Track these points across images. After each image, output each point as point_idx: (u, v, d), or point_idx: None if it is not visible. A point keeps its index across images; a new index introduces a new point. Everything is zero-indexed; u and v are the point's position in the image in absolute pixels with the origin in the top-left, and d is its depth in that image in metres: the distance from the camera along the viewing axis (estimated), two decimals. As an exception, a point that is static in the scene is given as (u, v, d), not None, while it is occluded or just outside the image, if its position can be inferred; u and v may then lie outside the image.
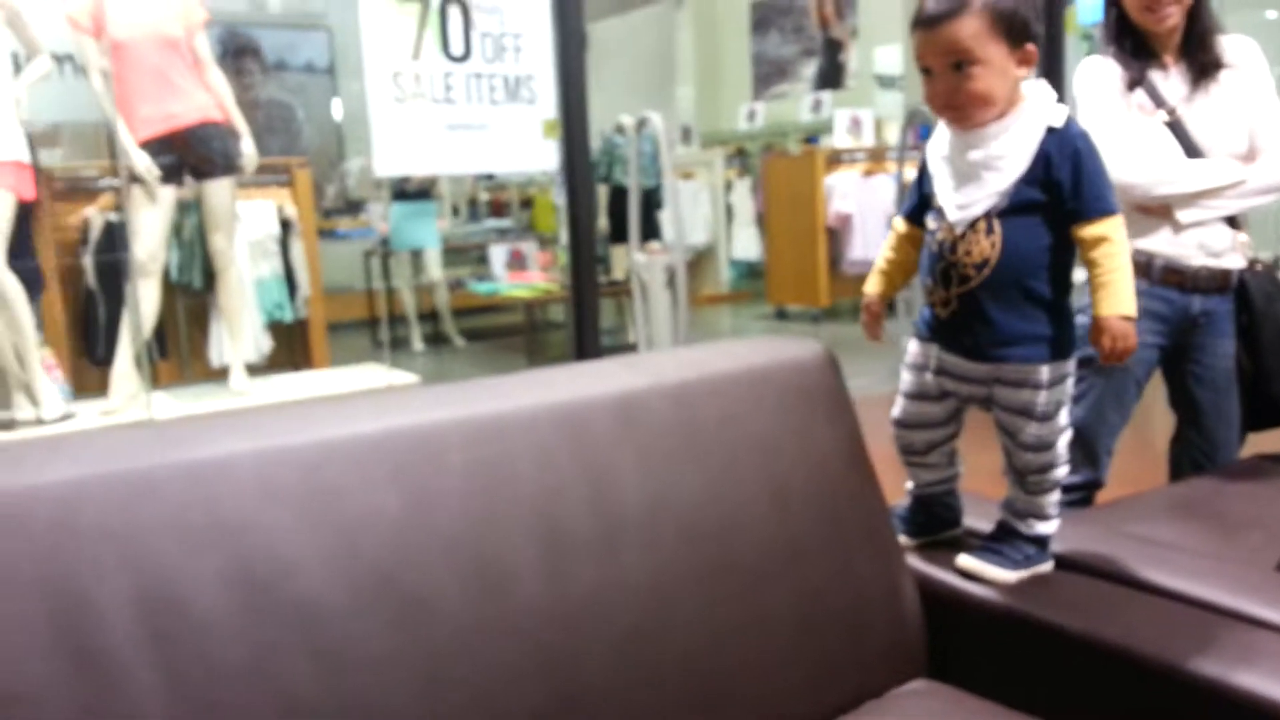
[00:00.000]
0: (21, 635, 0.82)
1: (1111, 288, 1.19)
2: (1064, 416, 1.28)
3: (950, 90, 1.19)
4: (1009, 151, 1.20)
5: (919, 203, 1.35)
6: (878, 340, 1.45)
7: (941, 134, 1.29)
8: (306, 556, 0.93)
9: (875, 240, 7.22)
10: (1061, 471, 1.31)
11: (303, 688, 0.89)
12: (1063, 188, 1.18)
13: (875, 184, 7.24)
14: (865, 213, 7.21)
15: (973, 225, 1.22)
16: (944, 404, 1.36)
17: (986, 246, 1.20)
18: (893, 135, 7.32)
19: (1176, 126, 1.92)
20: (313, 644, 0.91)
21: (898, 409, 1.40)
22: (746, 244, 9.15)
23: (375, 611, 0.94)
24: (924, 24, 1.19)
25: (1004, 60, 1.18)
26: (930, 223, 1.30)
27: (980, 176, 1.22)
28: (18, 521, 0.85)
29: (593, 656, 1.04)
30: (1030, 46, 1.19)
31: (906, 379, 1.39)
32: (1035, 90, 1.23)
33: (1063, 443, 1.30)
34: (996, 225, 1.20)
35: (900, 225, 1.40)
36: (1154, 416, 2.17)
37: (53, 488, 0.88)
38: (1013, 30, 1.17)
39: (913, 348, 1.38)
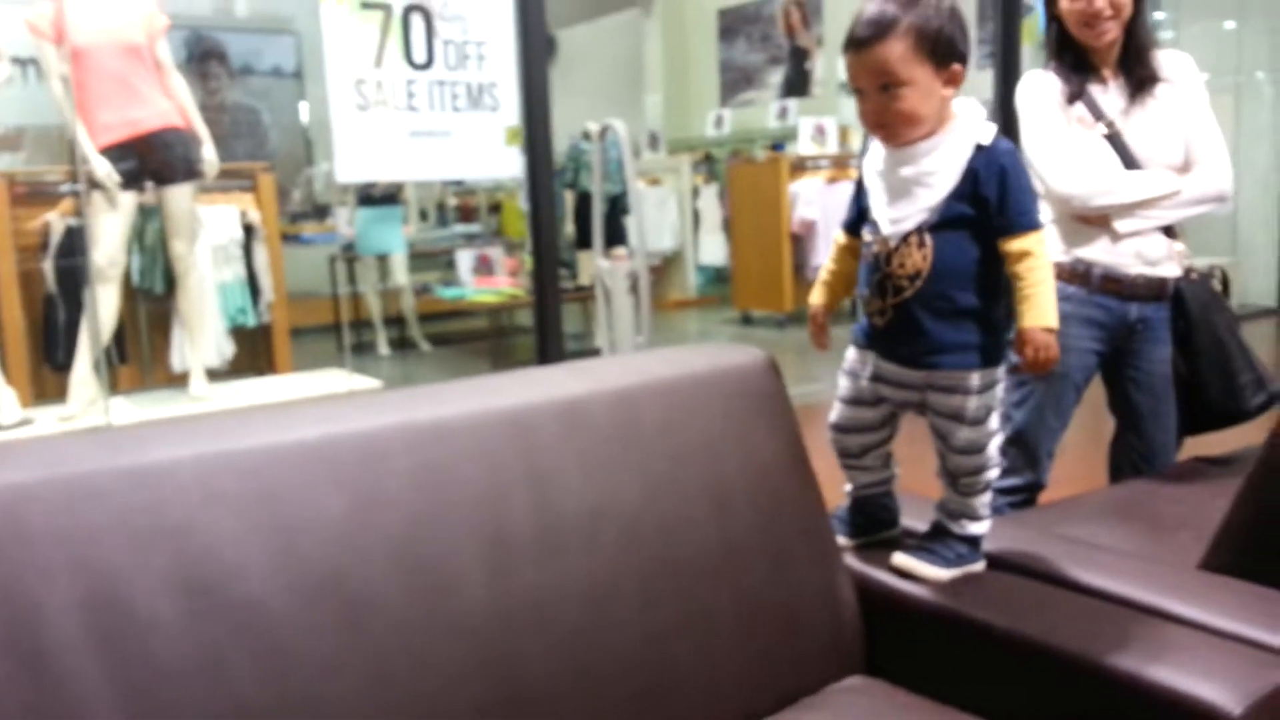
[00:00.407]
0: (-33, 638, 0.82)
1: (1034, 300, 1.22)
2: (994, 421, 1.32)
3: (880, 110, 1.23)
4: (939, 168, 1.24)
5: (857, 216, 1.39)
6: (825, 349, 1.47)
7: (877, 150, 1.33)
8: (250, 559, 0.94)
9: (838, 246, 7.29)
10: (993, 474, 1.35)
11: (248, 688, 0.91)
12: (990, 203, 1.22)
13: (839, 190, 7.32)
14: (829, 219, 7.28)
15: (905, 239, 1.26)
16: (879, 409, 1.40)
17: (919, 259, 1.24)
18: (856, 142, 7.41)
19: (1115, 139, 1.98)
20: (258, 645, 0.92)
21: (835, 414, 1.44)
22: (713, 249, 9.21)
23: (320, 612, 0.96)
24: (853, 46, 1.22)
25: (930, 80, 1.21)
26: (866, 235, 1.34)
27: (912, 192, 1.26)
28: (-38, 526, 0.85)
29: (535, 656, 1.06)
30: (956, 66, 1.22)
31: (844, 385, 1.43)
32: (965, 108, 1.27)
33: (993, 446, 1.33)
34: (928, 239, 1.24)
35: (840, 237, 1.44)
36: (1102, 420, 2.23)
37: (-2, 491, 0.88)
38: (938, 51, 1.20)
39: (850, 354, 1.42)
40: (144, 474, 0.95)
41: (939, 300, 1.25)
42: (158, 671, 0.88)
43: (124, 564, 0.90)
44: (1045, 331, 1.23)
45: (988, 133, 1.24)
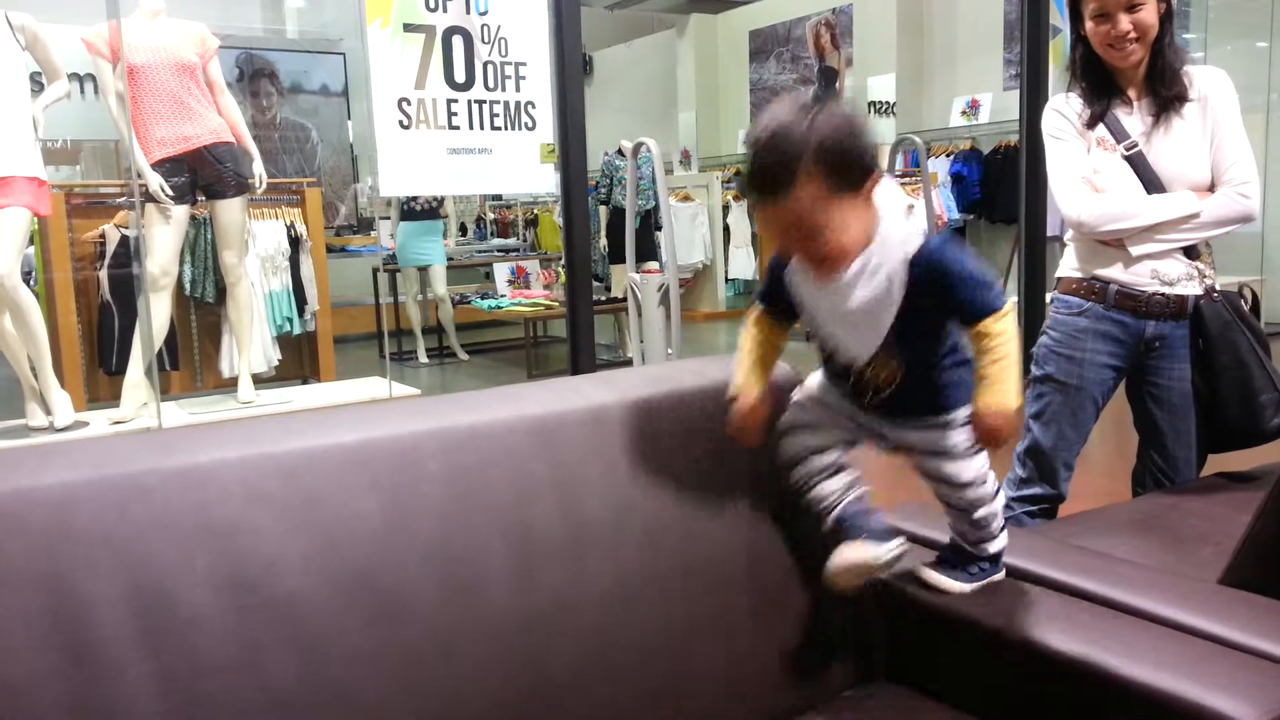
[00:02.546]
0: (18, 630, 0.87)
1: (989, 381, 1.12)
2: (984, 455, 1.26)
3: (807, 253, 1.12)
4: (878, 296, 1.13)
5: (775, 293, 1.25)
6: (756, 445, 1.26)
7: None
8: (290, 557, 0.98)
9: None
10: (999, 501, 1.31)
11: (286, 680, 0.95)
12: (940, 302, 1.13)
13: (870, 207, 7.35)
14: (859, 235, 7.31)
15: (873, 357, 1.18)
16: (834, 435, 1.29)
17: (893, 366, 1.18)
18: (884, 161, 7.45)
19: (1136, 160, 1.99)
20: (295, 640, 0.96)
21: (787, 419, 1.31)
22: (742, 263, 9.28)
23: (355, 610, 0.99)
24: (757, 195, 1.08)
25: (850, 207, 1.08)
26: (821, 348, 1.26)
27: (861, 324, 1.16)
28: (15, 522, 0.90)
29: (559, 654, 1.09)
30: (874, 176, 1.09)
31: (804, 413, 1.30)
32: (884, 201, 1.12)
33: (990, 476, 1.28)
34: (895, 348, 1.17)
35: (758, 308, 1.29)
36: (1124, 436, 2.25)
37: (48, 490, 0.93)
38: (852, 177, 1.07)
39: (821, 382, 1.30)
40: (190, 475, 0.98)
41: (921, 386, 1.19)
42: (199, 665, 0.92)
43: (169, 561, 0.94)
44: (1000, 414, 1.11)
45: (913, 241, 1.12)
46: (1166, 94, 1.99)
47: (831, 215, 1.07)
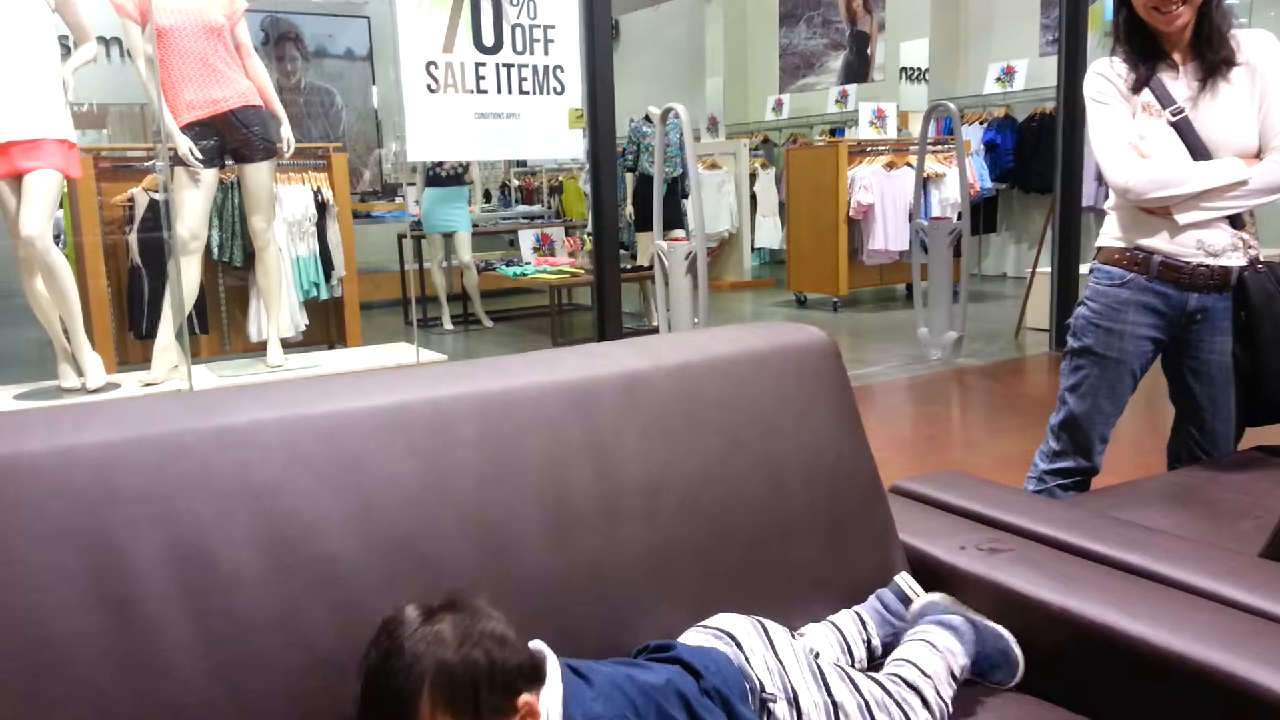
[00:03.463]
0: (62, 586, 0.88)
1: None
2: None
3: None
4: None
5: None
6: None
7: None
8: (329, 519, 0.99)
9: (896, 231, 7.28)
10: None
11: (325, 640, 0.95)
12: None
13: (898, 176, 7.30)
14: (886, 204, 7.27)
15: None
16: None
17: None
18: (916, 127, 7.37)
19: (1183, 126, 1.94)
20: (335, 599, 0.97)
21: None
22: (769, 233, 9.24)
23: (393, 571, 1.00)
24: None
25: None
26: None
27: None
28: (57, 481, 0.91)
29: (594, 618, 1.10)
30: (520, 700, 0.88)
31: None
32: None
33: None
34: None
35: None
36: (1159, 410, 2.22)
37: (89, 449, 0.93)
38: (476, 705, 0.86)
39: None
40: (228, 435, 0.99)
41: None
42: (241, 623, 0.93)
43: (209, 520, 0.94)
44: None
45: None
46: (1213, 58, 1.94)
47: None
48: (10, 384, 4.34)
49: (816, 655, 1.13)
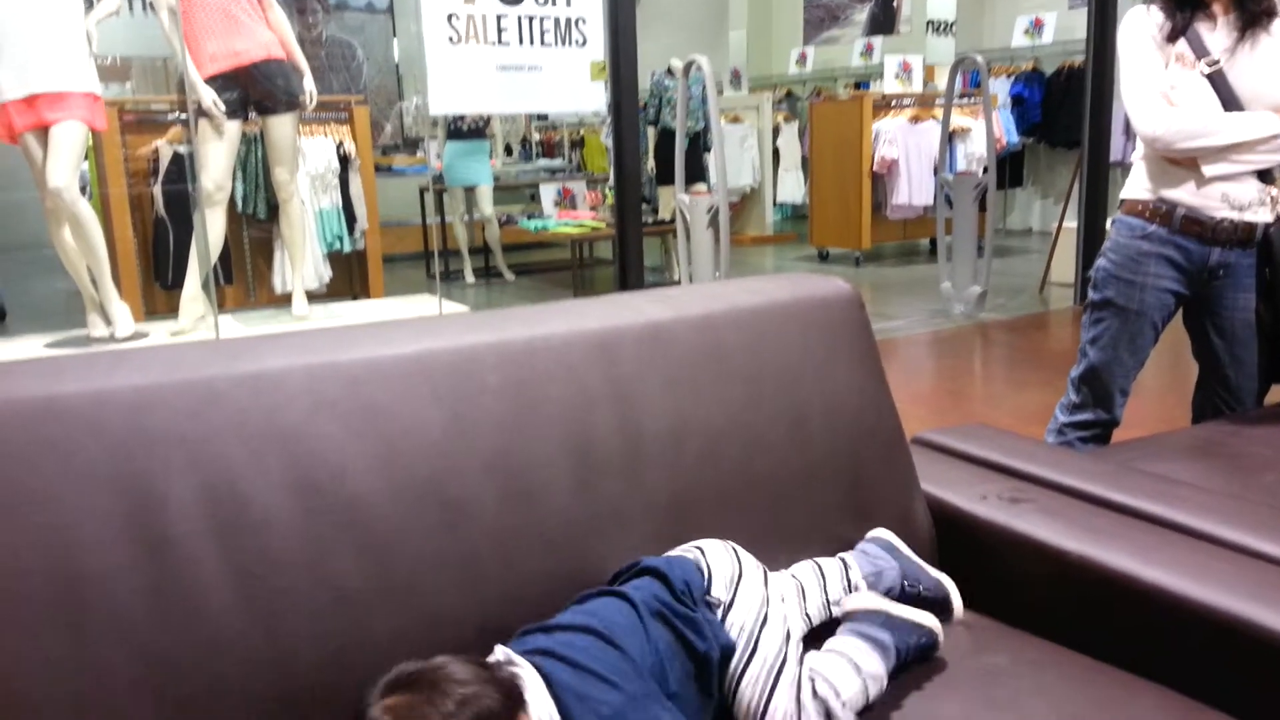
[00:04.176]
0: (98, 525, 0.90)
1: None
2: None
3: None
4: None
5: None
6: None
7: None
8: (355, 463, 1.00)
9: (921, 185, 7.20)
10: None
11: (353, 579, 0.98)
12: None
13: (923, 130, 7.20)
14: (911, 158, 7.19)
15: None
16: None
17: None
18: (942, 81, 7.26)
19: (1216, 79, 1.91)
20: (362, 541, 0.99)
21: None
22: (791, 187, 9.16)
23: (418, 515, 1.01)
24: None
25: None
26: None
27: None
28: (92, 422, 0.93)
29: (616, 562, 1.10)
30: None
31: None
32: None
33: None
34: None
35: None
36: (1182, 364, 2.21)
37: (123, 393, 0.95)
38: None
39: None
40: (258, 381, 1.00)
41: None
42: (271, 561, 0.95)
43: (240, 463, 0.96)
44: None
45: None
46: (1255, 9, 1.91)
47: None
48: (40, 333, 4.40)
49: (802, 589, 1.15)
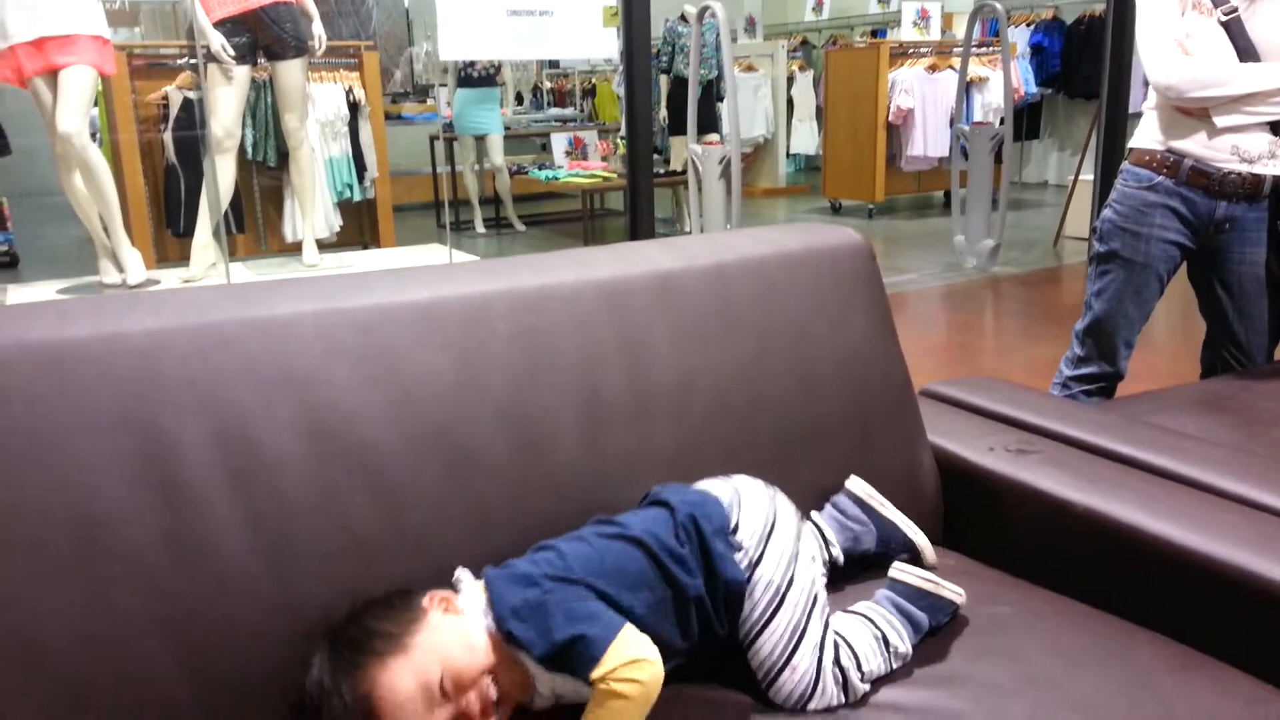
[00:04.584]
0: (111, 468, 0.91)
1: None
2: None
3: (477, 694, 0.91)
4: None
5: None
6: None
7: None
8: (367, 409, 1.01)
9: (936, 137, 7.12)
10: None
11: (365, 524, 0.99)
12: None
13: (940, 79, 7.10)
14: (927, 109, 7.09)
15: None
16: None
17: None
18: (960, 29, 7.14)
19: (1234, 26, 1.88)
20: (374, 486, 0.99)
21: None
22: (805, 138, 9.06)
23: (429, 462, 1.02)
24: None
25: (431, 634, 0.91)
26: None
27: None
28: (104, 366, 0.93)
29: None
30: (424, 599, 0.95)
31: None
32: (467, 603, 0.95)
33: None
34: None
35: None
36: (1191, 319, 2.21)
37: (135, 336, 0.96)
38: (396, 634, 0.91)
39: None
40: (269, 326, 1.01)
41: None
42: (284, 506, 0.96)
43: (252, 408, 0.97)
44: None
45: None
46: None
47: (428, 657, 0.89)
48: (53, 279, 4.42)
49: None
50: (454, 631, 0.92)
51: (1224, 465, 1.28)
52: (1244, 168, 1.94)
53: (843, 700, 0.98)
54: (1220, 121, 1.92)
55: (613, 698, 0.88)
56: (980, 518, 1.35)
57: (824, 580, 1.09)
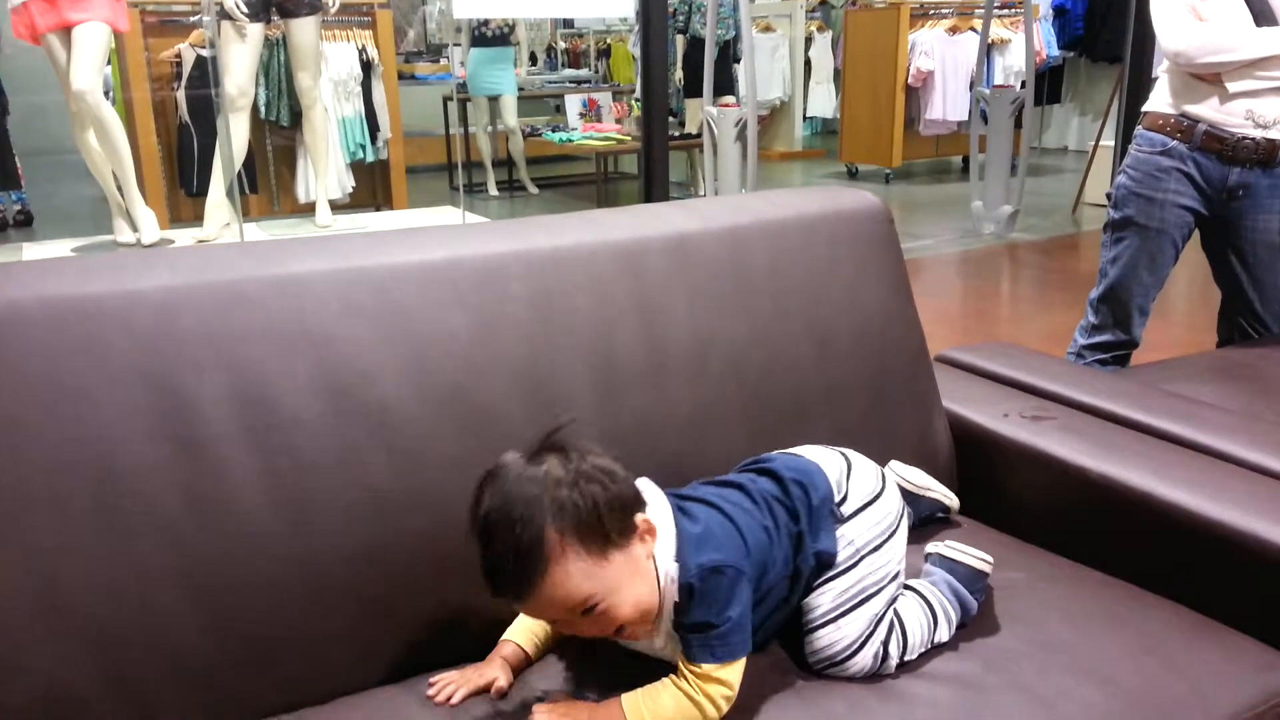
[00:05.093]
0: (130, 423, 0.92)
1: (653, 694, 0.91)
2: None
3: (603, 629, 0.89)
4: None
5: None
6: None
7: None
8: (384, 368, 1.01)
9: (956, 100, 7.03)
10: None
11: (382, 480, 0.99)
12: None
13: (960, 41, 7.00)
14: (947, 71, 7.01)
15: None
16: None
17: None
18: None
19: None
20: (391, 443, 1.00)
21: None
22: (822, 101, 8.96)
23: (445, 419, 1.02)
24: (512, 599, 0.88)
25: (626, 564, 0.88)
26: None
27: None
28: (123, 322, 0.94)
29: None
30: (638, 518, 0.90)
31: None
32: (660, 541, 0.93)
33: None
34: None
35: None
36: (1209, 286, 2.19)
37: (153, 293, 0.96)
38: (612, 536, 0.87)
39: None
40: (286, 284, 1.01)
41: None
42: (301, 462, 0.97)
43: (270, 365, 0.98)
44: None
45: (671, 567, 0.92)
46: None
47: (607, 580, 0.86)
48: (67, 238, 4.44)
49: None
50: (641, 583, 0.89)
51: (1238, 433, 1.28)
52: (1258, 133, 1.93)
53: (864, 672, 0.99)
54: (1233, 87, 1.91)
55: (694, 697, 0.89)
56: (994, 483, 1.35)
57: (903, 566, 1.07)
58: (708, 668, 0.89)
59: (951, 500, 1.27)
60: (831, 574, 1.01)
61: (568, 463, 0.87)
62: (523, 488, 0.85)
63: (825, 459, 1.08)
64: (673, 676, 0.91)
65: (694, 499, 1.00)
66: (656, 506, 0.95)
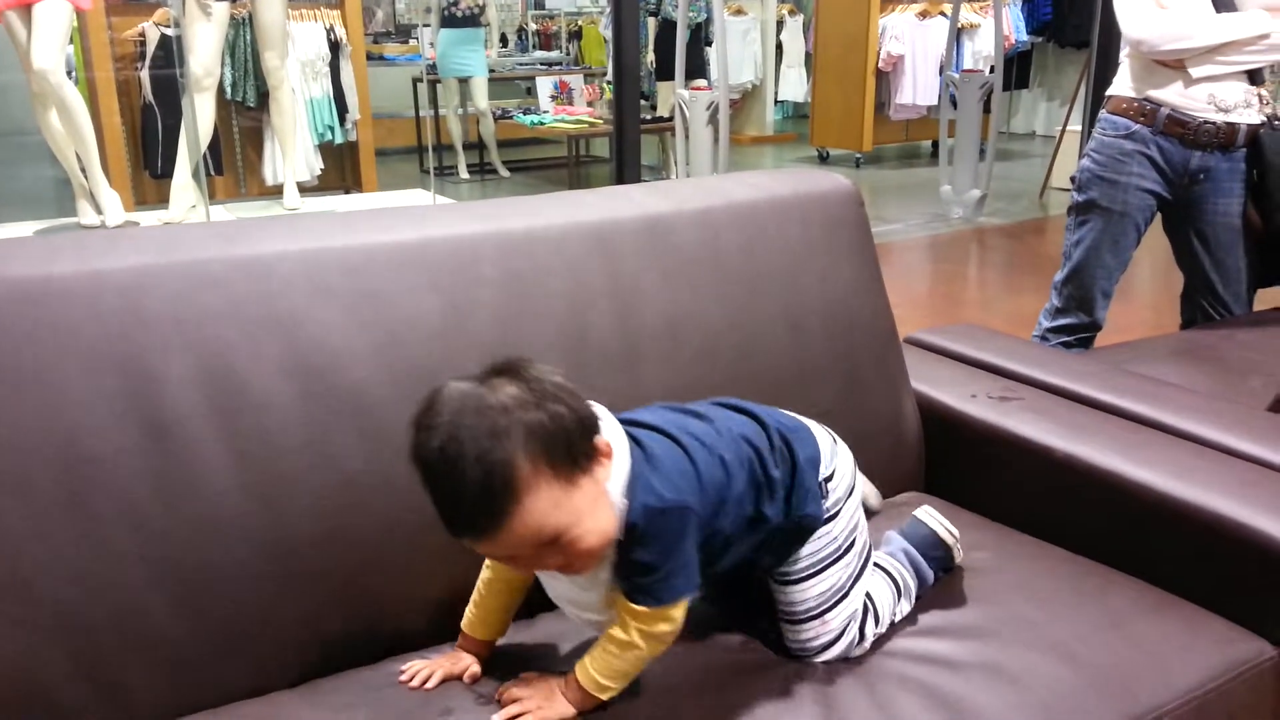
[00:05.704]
0: (98, 406, 0.91)
1: (599, 654, 0.89)
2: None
3: (566, 561, 0.84)
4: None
5: None
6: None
7: None
8: (354, 350, 1.01)
9: (926, 85, 7.07)
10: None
11: (354, 464, 0.99)
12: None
13: (931, 26, 7.03)
14: (918, 56, 7.03)
15: None
16: None
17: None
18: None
19: None
20: (362, 426, 1.00)
21: None
22: (794, 85, 8.97)
23: (417, 401, 0.97)
24: (474, 538, 0.82)
25: (590, 489, 0.82)
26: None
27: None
28: (88, 303, 0.93)
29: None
30: (598, 440, 0.84)
31: None
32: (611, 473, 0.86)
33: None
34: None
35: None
36: (1174, 269, 2.23)
37: (119, 274, 0.95)
38: (577, 461, 0.82)
39: None
40: (254, 265, 1.00)
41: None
42: (271, 446, 0.96)
43: (238, 347, 0.97)
44: (579, 691, 0.88)
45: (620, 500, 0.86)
46: None
47: (571, 508, 0.81)
48: (29, 220, 4.36)
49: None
50: (605, 509, 0.83)
51: (1201, 412, 1.30)
52: (1220, 117, 1.96)
53: (841, 653, 1.00)
54: (1196, 72, 1.94)
55: (635, 642, 0.87)
56: (961, 464, 1.37)
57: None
58: (649, 610, 0.87)
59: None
60: (813, 570, 1.00)
61: (525, 384, 0.81)
62: (484, 416, 0.78)
63: (815, 429, 1.06)
64: (613, 631, 0.88)
65: (648, 426, 0.93)
66: (610, 430, 0.88)
